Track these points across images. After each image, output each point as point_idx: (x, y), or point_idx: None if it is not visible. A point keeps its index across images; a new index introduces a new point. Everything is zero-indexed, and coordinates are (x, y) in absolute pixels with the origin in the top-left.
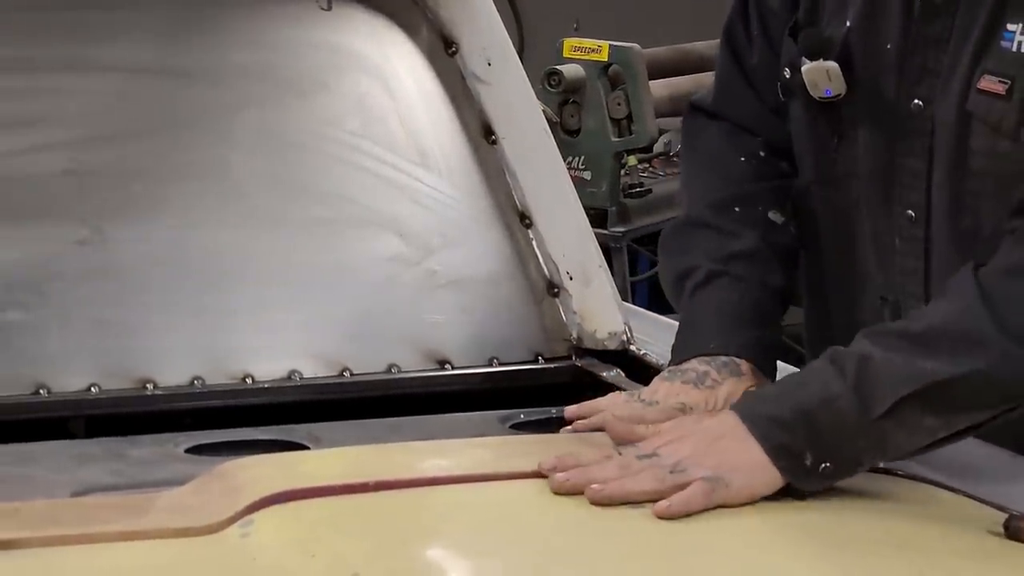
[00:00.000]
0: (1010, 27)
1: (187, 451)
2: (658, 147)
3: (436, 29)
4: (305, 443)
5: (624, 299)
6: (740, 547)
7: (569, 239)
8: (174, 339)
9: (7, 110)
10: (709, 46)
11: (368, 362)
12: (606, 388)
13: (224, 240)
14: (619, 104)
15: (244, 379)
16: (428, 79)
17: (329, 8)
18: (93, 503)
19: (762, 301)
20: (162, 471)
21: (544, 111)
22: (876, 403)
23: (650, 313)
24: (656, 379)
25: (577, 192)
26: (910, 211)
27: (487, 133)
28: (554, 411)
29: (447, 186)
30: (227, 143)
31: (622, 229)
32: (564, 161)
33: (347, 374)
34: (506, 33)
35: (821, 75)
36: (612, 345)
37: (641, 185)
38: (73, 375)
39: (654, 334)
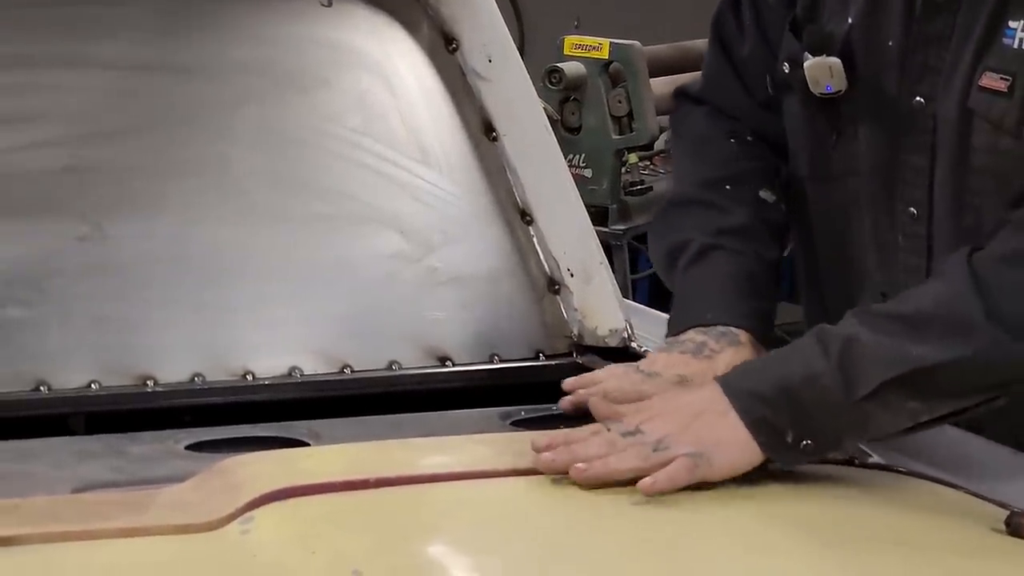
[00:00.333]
0: (1011, 24)
1: (187, 448)
2: (659, 145)
3: (437, 26)
4: (305, 440)
5: (625, 296)
6: (740, 543)
7: (570, 236)
8: (174, 335)
9: (7, 106)
10: None
11: (369, 359)
12: None
13: (224, 236)
14: (620, 102)
15: (244, 376)
16: (429, 76)
17: (329, 4)
18: (93, 499)
19: (757, 273)
20: (162, 468)
21: (545, 108)
22: (860, 384)
23: (651, 310)
24: (653, 350)
25: (578, 190)
26: (912, 208)
27: (488, 130)
28: (555, 408)
29: (448, 183)
30: (227, 139)
31: (623, 227)
32: (565, 159)
33: (348, 371)
34: (507, 30)
35: (823, 71)
36: (613, 342)
37: (642, 183)
38: (73, 372)
39: (655, 331)
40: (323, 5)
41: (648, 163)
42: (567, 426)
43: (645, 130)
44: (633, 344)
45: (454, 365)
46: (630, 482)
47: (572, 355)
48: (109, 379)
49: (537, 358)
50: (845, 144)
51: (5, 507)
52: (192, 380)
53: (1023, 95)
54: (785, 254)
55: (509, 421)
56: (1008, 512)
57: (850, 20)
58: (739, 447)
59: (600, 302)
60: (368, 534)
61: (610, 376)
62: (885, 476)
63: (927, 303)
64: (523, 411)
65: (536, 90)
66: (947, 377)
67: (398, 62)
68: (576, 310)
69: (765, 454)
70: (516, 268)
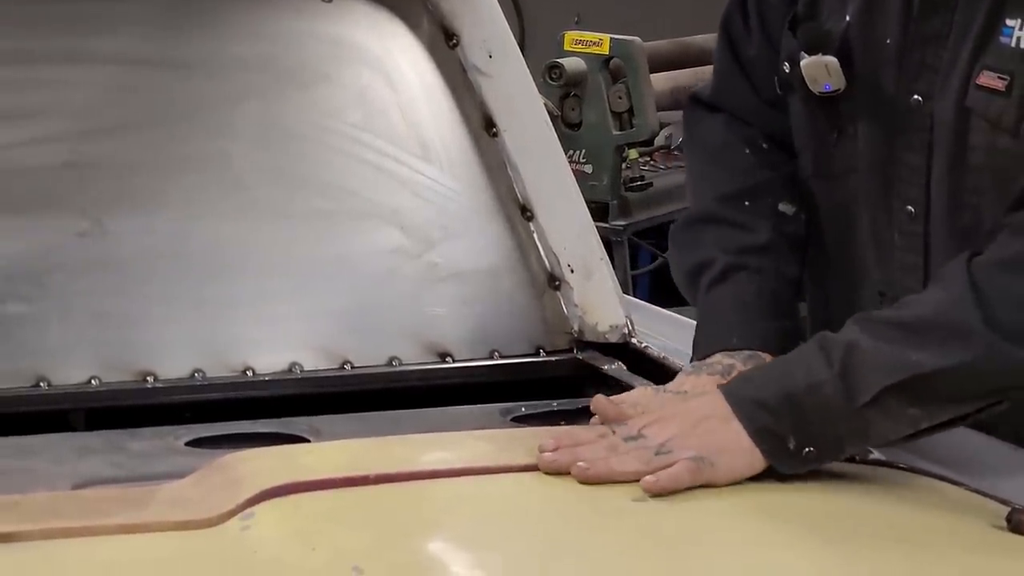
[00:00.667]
0: (1009, 22)
1: (187, 444)
2: (659, 140)
3: (437, 21)
4: (306, 436)
5: (625, 292)
6: (740, 540)
7: (570, 232)
8: (174, 331)
9: (7, 102)
10: (710, 39)
11: (369, 355)
12: (607, 381)
13: (224, 232)
14: (620, 97)
15: (244, 372)
16: (429, 71)
17: (330, 0)
18: (93, 496)
19: (779, 292)
20: (162, 464)
21: (545, 104)
22: (860, 391)
23: (651, 306)
24: (681, 373)
25: (578, 185)
26: (910, 207)
27: (488, 125)
28: (555, 404)
29: (448, 179)
30: (227, 135)
31: (623, 222)
32: (565, 154)
33: (348, 367)
34: (507, 25)
35: (820, 70)
36: (613, 338)
37: (642, 178)
38: (73, 368)
39: (655, 327)
40: (323, 1)
41: (648, 159)
42: (568, 423)
43: (645, 126)
44: (633, 340)
45: (454, 361)
46: (634, 481)
47: (572, 351)
48: (109, 375)
49: (537, 354)
50: (845, 142)
51: (5, 503)
52: (192, 376)
53: (1021, 94)
54: None
55: (509, 417)
56: (1009, 509)
57: (848, 18)
58: (742, 454)
59: (600, 298)
60: (368, 530)
61: (640, 398)
62: (886, 472)
63: (927, 309)
64: (523, 407)
65: (536, 86)
66: (946, 383)
67: (398, 58)
68: (576, 306)
69: (768, 461)
70: (516, 264)
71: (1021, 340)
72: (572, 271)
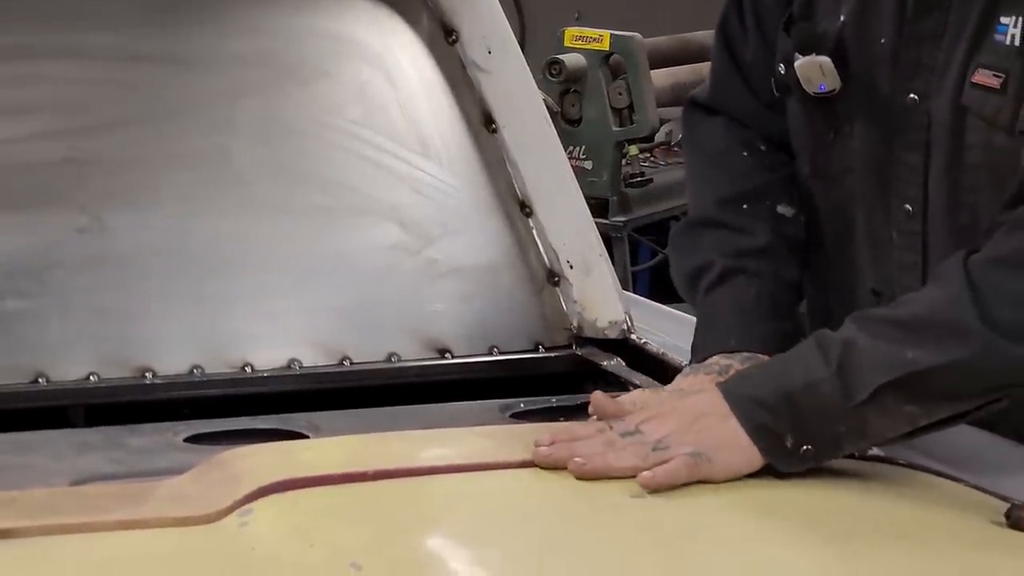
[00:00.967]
0: (1004, 20)
1: (186, 440)
2: (659, 136)
3: (436, 17)
4: (304, 432)
5: (625, 288)
6: (739, 536)
7: (569, 228)
8: (173, 327)
9: (6, 97)
10: (710, 35)
11: (368, 351)
12: (606, 377)
13: (224, 228)
14: (620, 93)
15: (243, 368)
16: (428, 67)
17: None
18: (92, 492)
19: (778, 294)
20: (161, 460)
21: (545, 100)
22: (857, 389)
23: (650, 302)
24: (679, 376)
25: (578, 181)
26: (907, 205)
27: (487, 122)
28: (554, 400)
29: (447, 175)
30: (227, 131)
31: (623, 219)
32: (565, 151)
33: (347, 363)
34: (506, 21)
35: (814, 70)
36: (612, 334)
37: (642, 175)
38: (72, 364)
39: (655, 323)
40: None
41: (648, 155)
42: (567, 419)
43: (645, 122)
44: (633, 336)
45: (453, 357)
46: (631, 476)
47: (571, 347)
48: (108, 371)
49: (536, 350)
50: (842, 142)
51: (3, 499)
52: (191, 372)
53: (1016, 91)
54: None
55: (508, 413)
56: (1008, 505)
57: (842, 18)
58: (740, 450)
59: (599, 294)
60: (367, 527)
61: (639, 399)
62: (885, 468)
63: (923, 307)
64: (522, 403)
65: (536, 82)
66: (942, 381)
67: (398, 54)
68: (576, 302)
69: (765, 459)
70: (516, 260)
71: (1018, 337)
72: (571, 267)
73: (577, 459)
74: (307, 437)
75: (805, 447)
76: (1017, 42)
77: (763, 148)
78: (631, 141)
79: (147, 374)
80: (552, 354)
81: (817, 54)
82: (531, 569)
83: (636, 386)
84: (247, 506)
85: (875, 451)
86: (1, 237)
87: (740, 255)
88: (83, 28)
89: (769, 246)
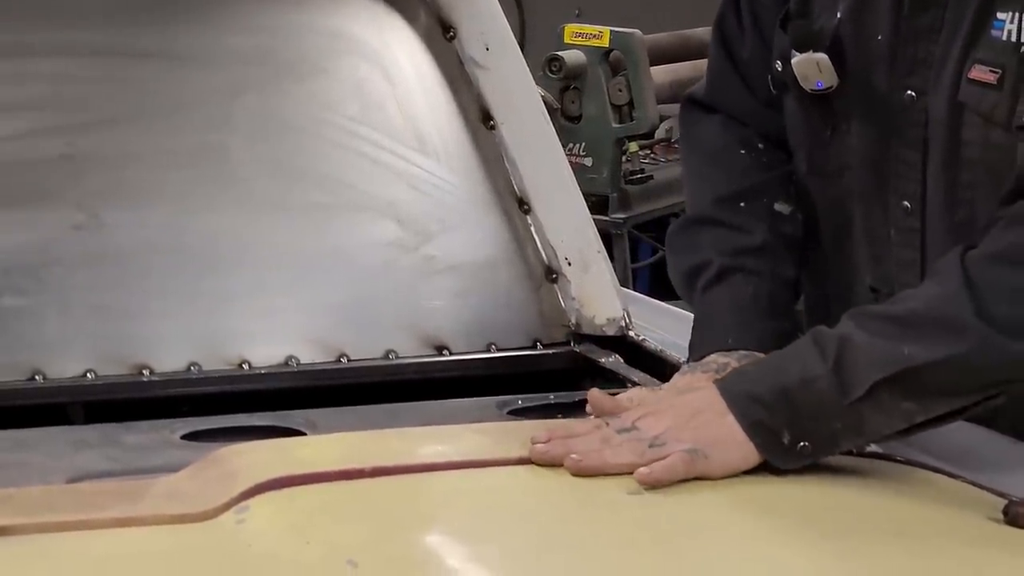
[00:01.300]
0: (1000, 16)
1: (183, 437)
2: (659, 133)
3: (434, 14)
4: (302, 429)
5: (625, 286)
6: (737, 534)
7: (567, 225)
8: (171, 325)
9: (2, 94)
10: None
11: (365, 348)
12: (604, 374)
13: (221, 225)
14: (620, 90)
15: (241, 365)
16: (426, 64)
17: None
18: (89, 489)
19: (775, 293)
20: (158, 457)
21: (545, 97)
22: (854, 386)
23: (648, 299)
24: (676, 374)
25: (578, 178)
26: (906, 202)
27: (485, 118)
28: (552, 397)
29: (445, 171)
30: (224, 128)
31: (623, 215)
32: (565, 147)
33: (344, 360)
34: (504, 18)
35: (811, 67)
36: (611, 331)
37: (642, 171)
38: (69, 361)
39: (653, 320)
40: None
41: (648, 151)
42: (565, 416)
43: (645, 118)
44: (631, 333)
45: (451, 354)
46: (627, 473)
47: (570, 344)
48: (105, 368)
49: (534, 347)
50: (839, 139)
51: (0, 497)
52: (188, 369)
53: (1013, 87)
54: None
55: (506, 410)
56: (1006, 501)
57: (839, 15)
58: (736, 447)
59: (598, 291)
60: (364, 524)
61: (636, 397)
62: (882, 465)
63: (920, 303)
64: (520, 400)
65: (536, 79)
66: (939, 376)
67: (396, 50)
68: (574, 299)
69: (762, 455)
70: (513, 257)
71: (1015, 333)
72: (569, 264)
73: (573, 456)
74: (304, 434)
75: (802, 443)
76: (1014, 37)
77: (760, 146)
78: (631, 138)
79: (144, 371)
80: (550, 351)
81: (814, 51)
82: (528, 566)
83: (634, 383)
84: (244, 503)
85: (873, 447)
86: None
87: (737, 253)
88: (80, 24)
89: (767, 244)
